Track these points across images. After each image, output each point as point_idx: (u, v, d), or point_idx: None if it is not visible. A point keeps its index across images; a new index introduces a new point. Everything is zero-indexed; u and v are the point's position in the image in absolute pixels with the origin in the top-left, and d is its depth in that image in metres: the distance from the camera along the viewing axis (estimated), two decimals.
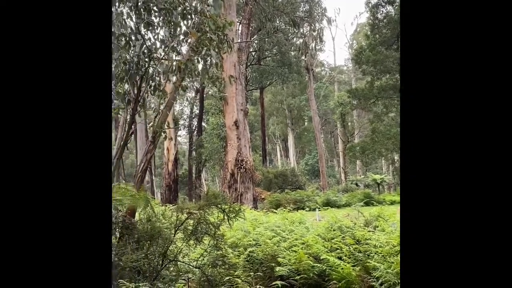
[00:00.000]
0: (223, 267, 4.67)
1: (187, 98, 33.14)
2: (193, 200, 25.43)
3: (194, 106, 32.72)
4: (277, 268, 4.82)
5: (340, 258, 4.71)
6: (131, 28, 3.95)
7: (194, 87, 28.55)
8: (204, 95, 29.70)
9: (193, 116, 32.72)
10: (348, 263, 4.54)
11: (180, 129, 33.97)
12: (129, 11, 3.89)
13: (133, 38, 3.81)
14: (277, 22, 23.95)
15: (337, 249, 5.03)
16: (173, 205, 12.16)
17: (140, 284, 3.51)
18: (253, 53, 26.53)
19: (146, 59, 4.11)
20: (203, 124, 29.74)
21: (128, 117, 4.32)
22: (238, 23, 19.52)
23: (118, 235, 4.43)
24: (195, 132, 30.48)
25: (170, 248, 4.39)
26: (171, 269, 4.31)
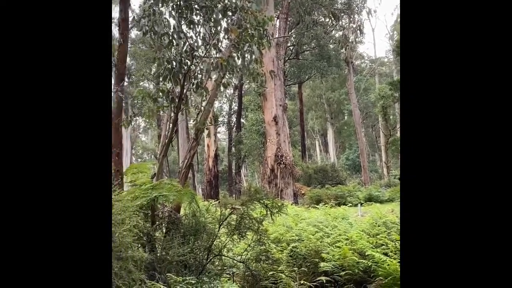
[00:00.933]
0: (267, 262, 4.70)
1: (225, 95, 33.47)
2: (233, 195, 25.71)
3: (233, 103, 33.00)
4: (321, 264, 4.79)
5: (386, 254, 4.61)
6: (173, 27, 4.03)
7: (233, 84, 28.80)
8: (243, 92, 29.87)
9: (232, 112, 33.02)
10: (395, 259, 4.43)
11: (220, 126, 34.37)
12: (171, 10, 3.96)
13: (175, 37, 3.89)
14: (315, 15, 23.62)
15: (383, 245, 4.93)
16: (215, 200, 12.36)
17: (187, 278, 3.59)
18: (291, 47, 26.35)
19: (189, 58, 4.18)
20: (242, 120, 29.94)
21: (172, 115, 4.41)
22: (276, 18, 19.44)
23: (164, 230, 4.56)
24: (234, 128, 30.74)
25: (214, 242, 4.47)
26: (216, 263, 4.39)
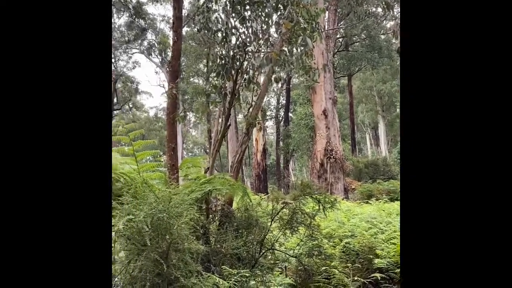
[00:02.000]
0: (319, 257, 4.67)
1: (273, 89, 33.47)
2: (282, 189, 25.72)
3: (281, 97, 32.93)
4: (376, 260, 4.68)
5: None
6: (226, 24, 4.07)
7: (283, 78, 28.70)
8: (291, 85, 29.71)
9: (280, 106, 32.96)
10: None
11: (268, 120, 34.46)
12: (224, 6, 4.01)
13: (228, 32, 3.93)
14: (366, 5, 22.93)
15: None
16: (264, 195, 12.43)
17: (242, 270, 3.65)
18: (340, 39, 25.79)
19: (241, 53, 4.21)
20: (290, 114, 29.82)
21: (225, 110, 4.48)
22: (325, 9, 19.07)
23: (218, 223, 4.65)
24: (282, 122, 30.69)
25: (266, 236, 4.50)
26: (269, 257, 4.41)
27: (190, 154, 45.40)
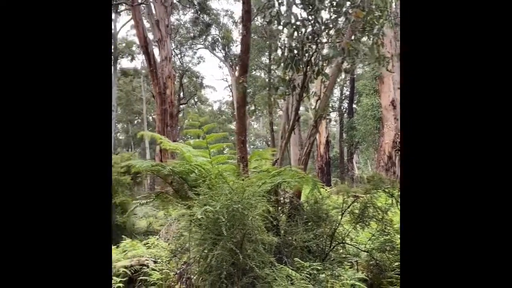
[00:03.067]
0: (392, 252, 4.52)
1: (336, 80, 32.77)
2: (345, 182, 25.21)
3: (344, 88, 32.16)
4: None
5: None
6: (296, 16, 4.04)
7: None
8: (355, 76, 28.90)
9: (343, 97, 32.22)
10: None
11: (331, 112, 33.87)
12: None
13: (299, 24, 3.89)
14: None
15: None
16: (330, 188, 12.25)
17: (314, 263, 3.64)
18: None
19: (311, 44, 4.16)
20: (354, 105, 29.05)
21: (294, 102, 4.47)
22: None
23: (287, 215, 4.67)
24: (346, 113, 30.00)
25: (337, 230, 4.44)
26: (341, 251, 4.36)
27: (252, 147, 46.00)
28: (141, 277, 4.47)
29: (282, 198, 4.87)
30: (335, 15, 4.29)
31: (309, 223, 4.48)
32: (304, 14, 4.28)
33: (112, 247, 6.19)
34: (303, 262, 3.58)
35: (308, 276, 3.46)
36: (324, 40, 4.26)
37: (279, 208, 4.66)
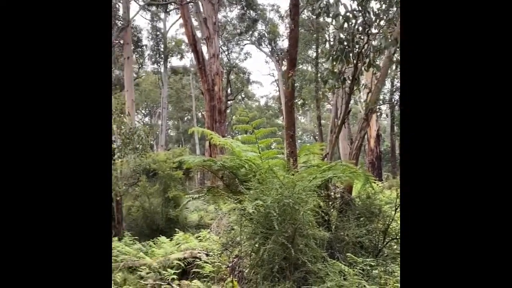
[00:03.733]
0: None
1: (387, 72, 31.73)
2: (397, 177, 24.41)
3: (395, 79, 31.07)
4: None
5: None
6: (345, 6, 3.95)
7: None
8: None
9: (394, 89, 31.14)
10: None
11: (381, 104, 32.87)
12: None
13: (348, 15, 3.80)
14: None
15: None
16: (381, 182, 11.93)
17: (367, 259, 3.57)
18: None
19: (361, 36, 4.05)
20: None
21: (344, 96, 4.38)
22: None
23: (337, 210, 4.61)
24: (396, 106, 28.99)
25: (390, 226, 4.32)
26: (395, 247, 4.24)
27: (299, 141, 45.72)
28: (194, 269, 4.61)
29: (333, 193, 4.81)
30: (386, 5, 4.15)
31: (361, 219, 4.39)
32: (354, 5, 4.18)
33: (166, 240, 6.42)
34: (356, 258, 3.52)
35: (361, 272, 3.39)
36: (375, 30, 4.13)
37: (330, 203, 4.60)
